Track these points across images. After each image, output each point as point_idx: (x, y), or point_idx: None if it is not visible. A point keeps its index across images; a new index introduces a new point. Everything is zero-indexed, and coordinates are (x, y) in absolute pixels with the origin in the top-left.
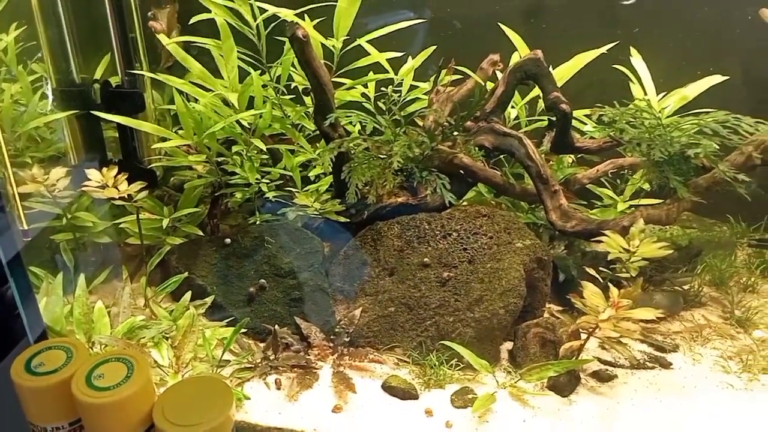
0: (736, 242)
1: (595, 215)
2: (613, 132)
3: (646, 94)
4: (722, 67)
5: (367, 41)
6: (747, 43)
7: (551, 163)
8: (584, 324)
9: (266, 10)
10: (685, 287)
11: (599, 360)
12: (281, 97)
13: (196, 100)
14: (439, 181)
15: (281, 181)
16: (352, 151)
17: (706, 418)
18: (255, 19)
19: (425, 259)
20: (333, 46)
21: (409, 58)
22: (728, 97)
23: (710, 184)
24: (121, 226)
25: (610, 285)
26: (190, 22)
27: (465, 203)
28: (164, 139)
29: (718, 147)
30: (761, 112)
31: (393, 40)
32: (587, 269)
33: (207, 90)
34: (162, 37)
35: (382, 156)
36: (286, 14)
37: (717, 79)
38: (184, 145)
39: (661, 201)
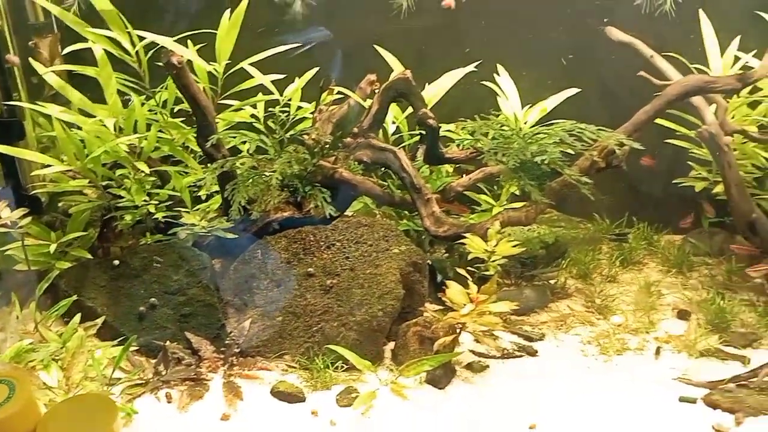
0: (601, 237)
1: (474, 219)
2: (473, 143)
3: (515, 108)
4: (581, 80)
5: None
6: (600, 58)
7: (432, 173)
8: (450, 320)
9: (144, 38)
10: (553, 281)
11: (473, 352)
12: (169, 120)
13: (79, 127)
14: (320, 195)
15: (171, 202)
16: (238, 170)
17: (564, 398)
18: (135, 46)
19: (310, 269)
20: (215, 70)
21: (296, 78)
22: (588, 106)
23: (562, 186)
24: (7, 253)
25: (469, 283)
26: (63, 52)
27: (352, 214)
28: (46, 166)
29: (573, 153)
30: (615, 119)
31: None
32: (458, 269)
33: (93, 116)
34: (39, 67)
35: (266, 173)
36: (164, 41)
37: (572, 91)
38: (70, 171)
39: (522, 204)
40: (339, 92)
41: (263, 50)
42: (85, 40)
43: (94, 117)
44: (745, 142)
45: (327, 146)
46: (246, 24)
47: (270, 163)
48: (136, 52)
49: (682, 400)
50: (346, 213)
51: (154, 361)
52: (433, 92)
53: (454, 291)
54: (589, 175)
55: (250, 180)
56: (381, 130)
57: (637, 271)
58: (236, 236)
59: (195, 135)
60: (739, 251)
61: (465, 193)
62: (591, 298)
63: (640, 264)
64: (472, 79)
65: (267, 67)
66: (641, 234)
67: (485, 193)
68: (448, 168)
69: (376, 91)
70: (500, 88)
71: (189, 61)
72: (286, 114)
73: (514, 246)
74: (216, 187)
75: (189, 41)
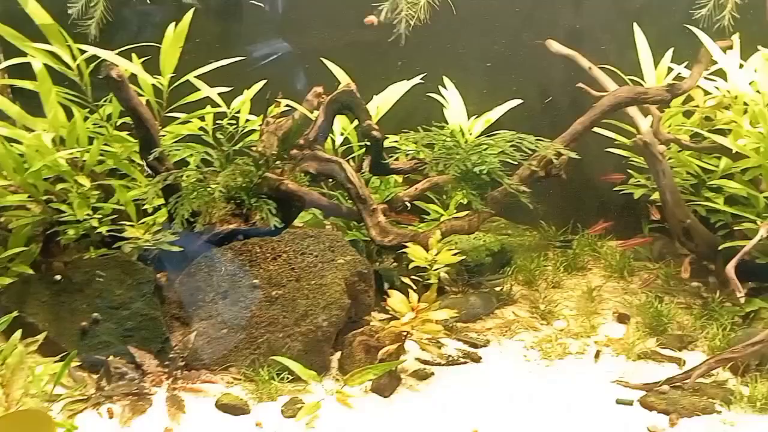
0: (547, 244)
1: (423, 229)
2: (417, 154)
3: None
4: (526, 91)
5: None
6: (541, 70)
7: (381, 183)
8: (393, 329)
9: (86, 51)
10: (499, 288)
11: (419, 360)
12: (114, 133)
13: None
14: (266, 207)
15: (115, 216)
16: (183, 183)
17: (506, 403)
18: (75, 60)
19: (255, 281)
20: (160, 83)
21: (245, 91)
22: (532, 117)
23: (503, 195)
24: None
25: (410, 291)
26: (1, 66)
27: (300, 225)
28: None
29: (515, 163)
30: (556, 129)
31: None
32: (403, 278)
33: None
34: None
35: (212, 186)
36: (104, 54)
37: (515, 102)
38: (11, 186)
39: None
40: (287, 105)
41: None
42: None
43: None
44: (680, 151)
45: (273, 158)
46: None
47: (216, 176)
48: (78, 66)
49: (619, 402)
50: (294, 224)
51: (96, 376)
52: (379, 104)
53: (395, 300)
54: (528, 183)
55: (195, 192)
56: (330, 142)
57: (581, 276)
58: (181, 249)
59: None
60: (625, 246)
61: (414, 202)
62: (535, 304)
63: (584, 270)
64: (421, 92)
65: (224, 80)
66: (585, 241)
67: (435, 203)
68: (397, 178)
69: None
70: (446, 99)
71: (133, 75)
72: (234, 126)
73: (455, 254)
74: (162, 200)
75: (133, 54)
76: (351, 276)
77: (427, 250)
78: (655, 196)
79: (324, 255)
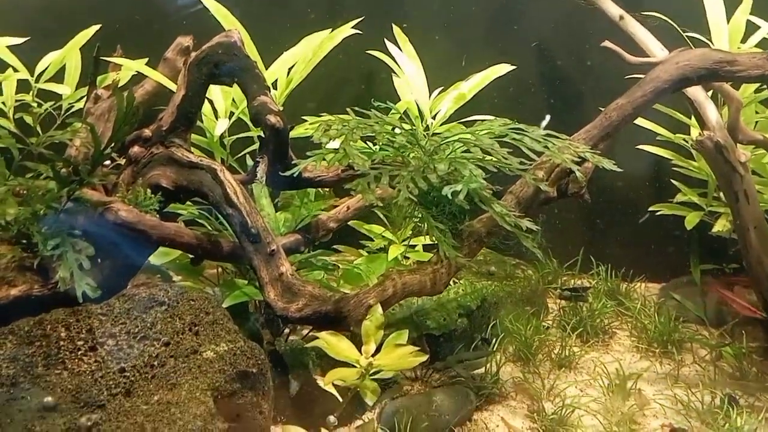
0: (547, 288)
1: (360, 267)
2: (342, 157)
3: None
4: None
5: None
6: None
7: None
8: None
9: None
10: (479, 370)
11: None
12: None
13: None
14: (73, 255)
15: None
16: None
17: None
18: None
19: (48, 399)
20: None
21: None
22: (533, 95)
23: (492, 227)
24: None
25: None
26: None
27: (144, 280)
28: None
29: (510, 173)
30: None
31: None
32: (323, 383)
33: None
34: None
35: None
36: None
37: (504, 68)
38: None
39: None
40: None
41: None
42: None
43: None
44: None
45: (92, 164)
46: None
47: None
48: None
49: None
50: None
51: None
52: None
53: None
54: (532, 208)
55: None
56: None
57: (602, 346)
58: None
59: None
60: None
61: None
62: (537, 401)
63: (605, 334)
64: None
65: None
66: (603, 284)
67: (381, 221)
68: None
69: None
70: (396, 62)
71: None
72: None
73: (413, 353)
74: None
75: None
76: (227, 383)
77: (359, 339)
78: (720, 226)
79: (180, 342)
